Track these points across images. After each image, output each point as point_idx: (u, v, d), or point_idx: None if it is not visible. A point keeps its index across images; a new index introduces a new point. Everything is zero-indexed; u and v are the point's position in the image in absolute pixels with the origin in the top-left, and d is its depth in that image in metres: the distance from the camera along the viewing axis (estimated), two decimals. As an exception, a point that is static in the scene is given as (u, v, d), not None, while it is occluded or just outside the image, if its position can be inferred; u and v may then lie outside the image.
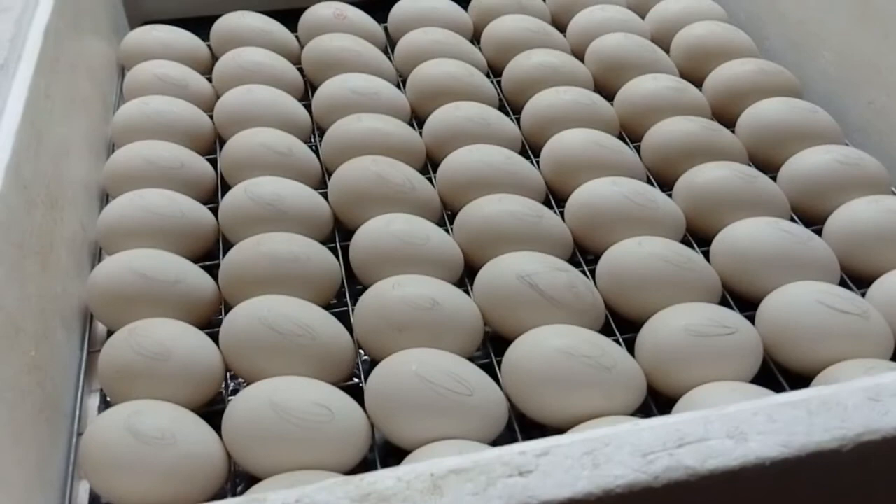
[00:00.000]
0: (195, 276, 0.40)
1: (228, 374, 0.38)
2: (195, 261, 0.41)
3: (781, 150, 0.47)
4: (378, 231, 0.41)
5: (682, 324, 0.37)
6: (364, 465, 0.34)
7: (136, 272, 0.38)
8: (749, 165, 0.47)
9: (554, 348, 0.35)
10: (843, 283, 0.41)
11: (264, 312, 0.37)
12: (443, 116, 0.48)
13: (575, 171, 0.45)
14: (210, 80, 0.54)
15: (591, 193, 0.43)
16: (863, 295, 0.40)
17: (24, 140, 0.37)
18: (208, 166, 0.47)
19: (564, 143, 0.46)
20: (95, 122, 0.49)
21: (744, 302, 0.40)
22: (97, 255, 0.44)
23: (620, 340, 0.39)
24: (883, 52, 0.48)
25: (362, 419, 0.34)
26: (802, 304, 0.37)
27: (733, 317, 0.38)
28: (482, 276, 0.39)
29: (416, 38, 0.55)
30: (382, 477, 0.23)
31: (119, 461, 0.31)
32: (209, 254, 0.44)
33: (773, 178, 0.46)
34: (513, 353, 0.36)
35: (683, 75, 0.55)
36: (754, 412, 0.25)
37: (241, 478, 0.34)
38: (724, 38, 0.54)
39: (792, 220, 0.45)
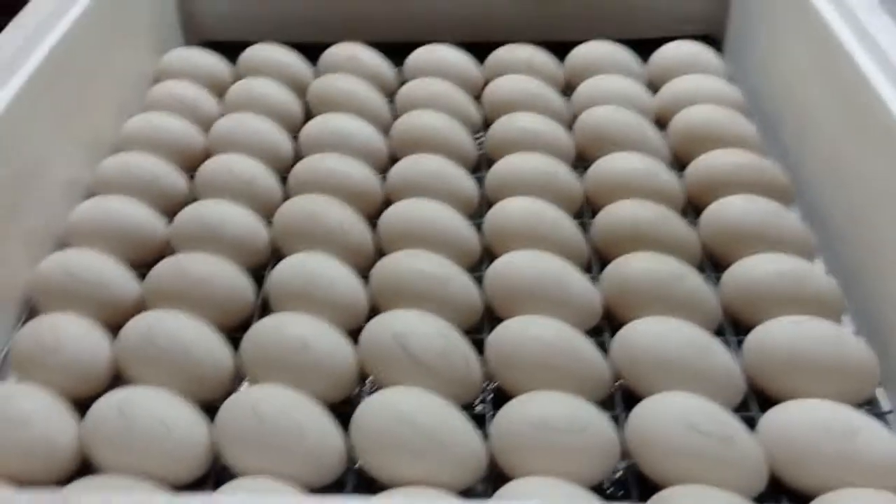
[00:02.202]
0: (123, 282, 0.44)
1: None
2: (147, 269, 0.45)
3: (736, 251, 0.45)
4: (292, 266, 0.43)
5: (535, 412, 0.36)
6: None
7: (67, 270, 0.43)
8: (697, 263, 0.45)
9: (396, 411, 0.36)
10: (745, 403, 0.39)
11: (151, 324, 0.40)
12: (406, 166, 0.50)
13: (510, 239, 0.45)
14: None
15: (508, 264, 0.43)
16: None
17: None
18: (183, 183, 0.51)
19: (505, 210, 0.47)
20: (107, 130, 0.54)
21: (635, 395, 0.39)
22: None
23: (487, 416, 0.39)
24: (867, 160, 0.44)
25: (205, 440, 0.36)
26: (665, 415, 0.36)
27: (593, 416, 0.36)
28: (366, 329, 0.41)
29: (414, 88, 0.56)
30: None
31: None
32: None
33: (718, 279, 0.44)
34: (363, 408, 0.37)
35: (677, 158, 0.53)
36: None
37: (93, 472, 0.37)
38: (722, 124, 0.52)
39: (720, 328, 0.43)
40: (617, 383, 0.40)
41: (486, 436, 0.37)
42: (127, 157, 0.51)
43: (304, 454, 0.35)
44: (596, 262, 0.47)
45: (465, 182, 0.50)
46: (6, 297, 0.44)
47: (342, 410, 0.38)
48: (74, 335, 0.40)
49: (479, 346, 0.41)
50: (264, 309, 0.44)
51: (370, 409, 0.36)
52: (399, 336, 0.39)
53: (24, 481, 0.35)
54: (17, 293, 0.45)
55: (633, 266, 0.43)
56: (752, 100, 0.58)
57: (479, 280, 0.44)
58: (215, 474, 0.37)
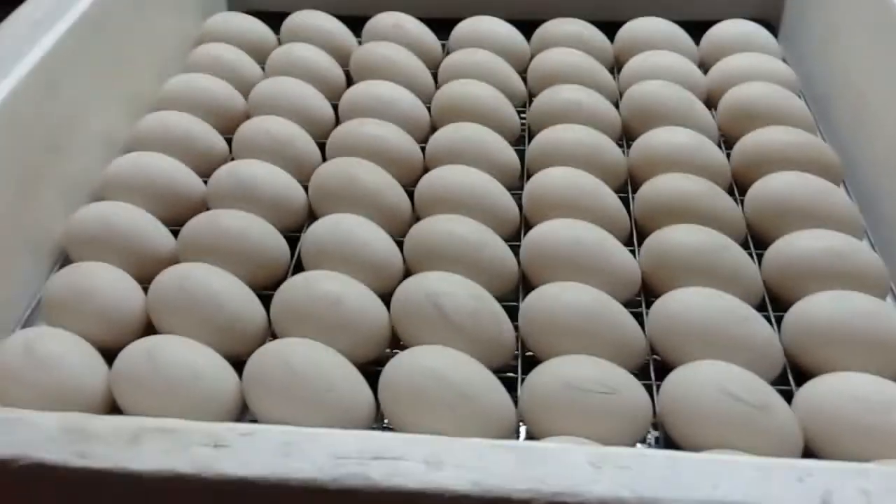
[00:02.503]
0: (157, 234, 0.44)
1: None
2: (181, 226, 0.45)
3: (782, 227, 0.43)
4: (327, 226, 0.43)
5: (565, 375, 0.35)
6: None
7: (102, 221, 0.43)
8: (741, 239, 0.44)
9: (424, 366, 0.35)
10: (783, 375, 0.38)
11: (185, 275, 0.40)
12: (446, 134, 0.49)
13: (548, 208, 0.44)
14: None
15: (545, 232, 0.42)
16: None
17: (31, 86, 0.42)
18: (221, 144, 0.51)
19: (545, 179, 0.46)
20: (146, 88, 0.54)
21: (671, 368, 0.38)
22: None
23: (519, 379, 0.38)
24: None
25: (232, 388, 0.36)
26: (700, 380, 0.35)
27: (624, 380, 0.35)
28: (399, 289, 0.40)
29: (458, 58, 0.56)
30: (99, 420, 0.25)
31: (7, 369, 0.36)
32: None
33: (761, 257, 0.43)
34: (391, 364, 0.36)
35: (725, 135, 0.52)
36: (464, 446, 0.24)
37: (118, 412, 0.37)
38: (773, 102, 0.50)
39: (761, 304, 0.41)
40: (652, 357, 0.39)
41: (516, 402, 0.36)
42: (165, 115, 0.51)
43: (333, 406, 0.35)
44: (637, 236, 0.46)
45: (506, 152, 0.49)
46: (41, 245, 0.44)
47: (372, 370, 0.37)
48: (107, 282, 0.40)
49: (513, 313, 0.40)
50: (298, 270, 0.44)
51: (399, 364, 0.36)
52: (432, 295, 0.38)
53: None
54: (51, 241, 0.45)
55: (674, 236, 0.42)
56: (806, 84, 0.56)
57: (516, 250, 0.44)
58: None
